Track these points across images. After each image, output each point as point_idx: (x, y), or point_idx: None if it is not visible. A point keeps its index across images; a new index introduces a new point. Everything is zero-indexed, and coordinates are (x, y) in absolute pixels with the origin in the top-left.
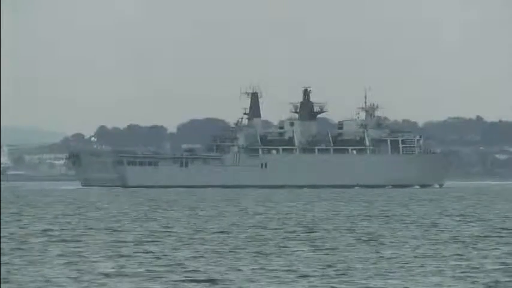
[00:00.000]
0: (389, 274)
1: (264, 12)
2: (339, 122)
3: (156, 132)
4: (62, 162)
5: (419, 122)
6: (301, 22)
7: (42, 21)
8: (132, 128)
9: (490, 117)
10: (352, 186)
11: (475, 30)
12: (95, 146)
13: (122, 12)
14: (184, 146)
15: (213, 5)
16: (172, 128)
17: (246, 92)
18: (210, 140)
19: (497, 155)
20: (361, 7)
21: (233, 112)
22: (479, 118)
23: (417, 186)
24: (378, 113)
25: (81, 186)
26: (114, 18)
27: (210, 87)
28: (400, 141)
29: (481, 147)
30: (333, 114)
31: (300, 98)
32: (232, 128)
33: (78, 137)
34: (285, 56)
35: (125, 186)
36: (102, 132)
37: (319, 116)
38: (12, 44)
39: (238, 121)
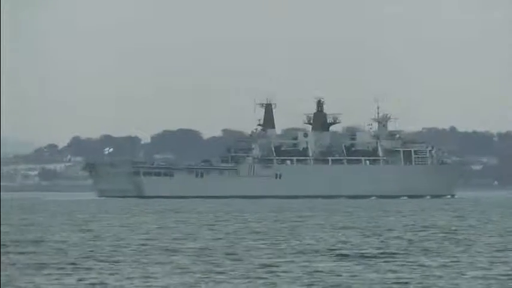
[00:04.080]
0: None
1: (264, 15)
2: (352, 132)
3: (130, 142)
4: (35, 173)
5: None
6: (311, 29)
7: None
8: (105, 139)
9: (465, 127)
10: (366, 197)
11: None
12: (106, 154)
13: (118, 13)
14: (157, 156)
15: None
16: (146, 139)
17: (261, 103)
18: (224, 151)
19: (472, 166)
20: (361, 7)
21: (208, 123)
22: (453, 128)
23: (428, 197)
24: (390, 124)
25: (97, 197)
26: (108, 20)
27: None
28: (412, 152)
29: (456, 158)
30: (346, 124)
31: (313, 109)
32: (247, 139)
33: (52, 147)
34: (297, 65)
35: (141, 196)
36: (76, 143)
37: (332, 126)
38: None
39: (252, 132)
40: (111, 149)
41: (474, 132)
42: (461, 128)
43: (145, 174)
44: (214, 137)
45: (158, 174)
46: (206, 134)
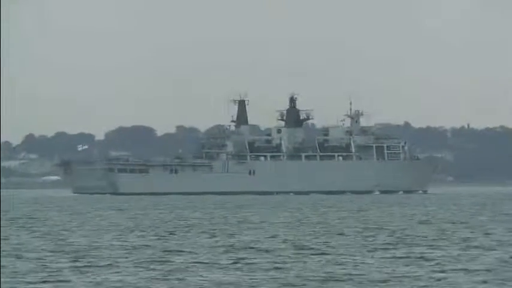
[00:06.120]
0: None
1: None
2: (324, 128)
3: (84, 139)
4: None
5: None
6: (284, 26)
7: None
8: (59, 136)
9: (418, 123)
10: (339, 193)
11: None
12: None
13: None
14: (113, 153)
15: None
16: (100, 135)
17: (234, 100)
18: (198, 147)
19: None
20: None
21: (163, 120)
22: (407, 124)
23: (401, 192)
24: (362, 119)
25: (72, 194)
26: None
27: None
28: (385, 147)
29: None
30: (319, 120)
31: (286, 105)
32: (221, 135)
33: (7, 145)
34: (270, 62)
35: (115, 193)
36: (30, 141)
37: (305, 122)
38: None
39: (226, 128)
40: (86, 146)
41: (428, 128)
42: (415, 124)
43: (120, 171)
44: (167, 133)
45: (133, 171)
46: (160, 130)
